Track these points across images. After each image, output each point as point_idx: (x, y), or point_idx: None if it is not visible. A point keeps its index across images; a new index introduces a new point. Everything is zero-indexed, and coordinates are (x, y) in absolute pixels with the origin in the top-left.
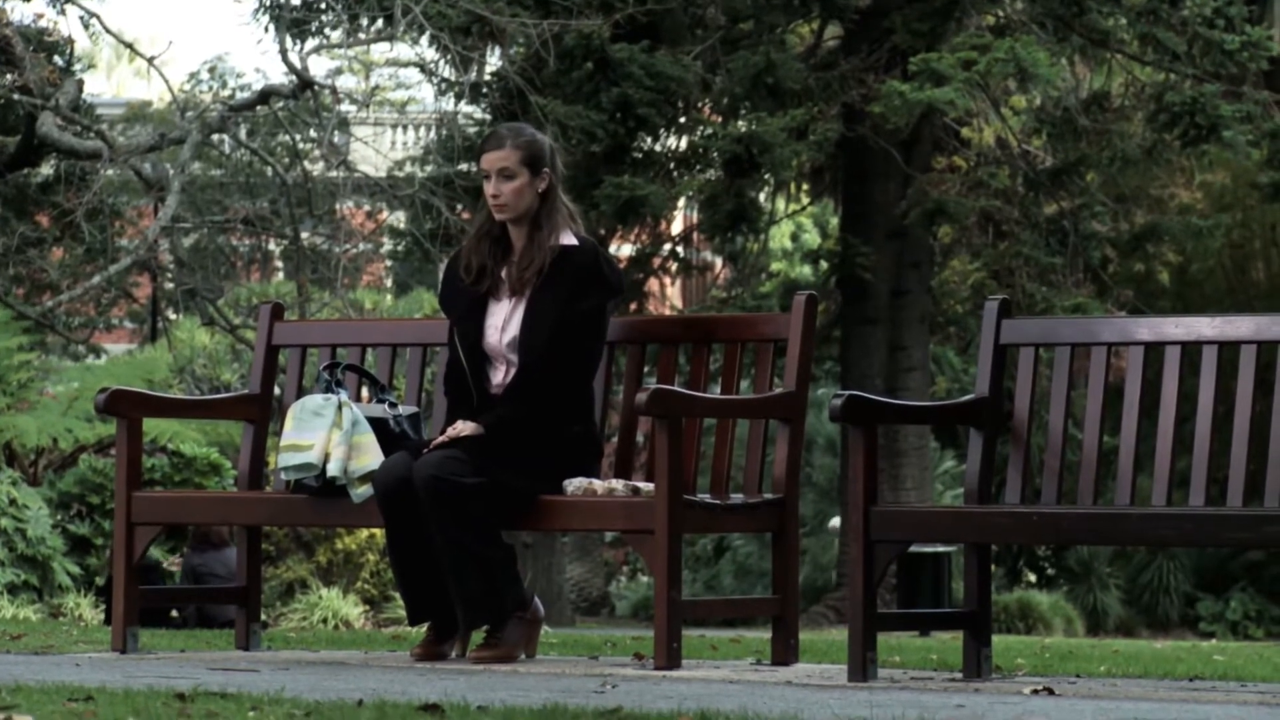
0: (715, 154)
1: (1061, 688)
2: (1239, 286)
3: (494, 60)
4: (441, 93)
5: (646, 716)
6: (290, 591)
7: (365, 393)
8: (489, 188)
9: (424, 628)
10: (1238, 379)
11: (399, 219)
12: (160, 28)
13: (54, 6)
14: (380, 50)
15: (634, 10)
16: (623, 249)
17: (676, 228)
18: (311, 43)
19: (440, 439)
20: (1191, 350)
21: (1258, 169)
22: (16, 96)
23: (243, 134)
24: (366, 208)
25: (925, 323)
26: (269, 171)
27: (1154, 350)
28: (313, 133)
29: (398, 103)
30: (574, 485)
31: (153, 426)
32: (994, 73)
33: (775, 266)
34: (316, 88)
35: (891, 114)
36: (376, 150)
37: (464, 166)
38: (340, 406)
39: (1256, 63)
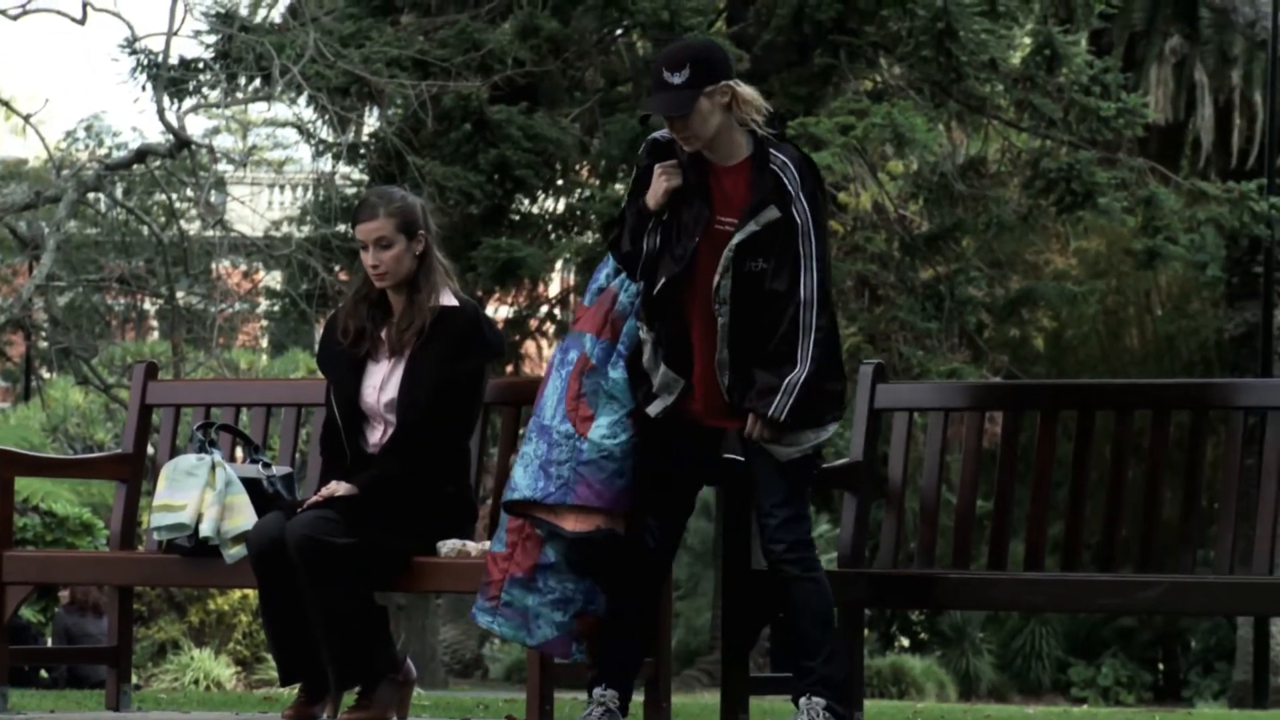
0: (593, 216)
1: None
2: (1113, 352)
3: (372, 121)
4: (319, 153)
5: None
6: (162, 652)
7: (239, 453)
8: (367, 258)
9: (296, 689)
10: (1110, 444)
11: (275, 279)
12: (37, 85)
13: None
14: (258, 110)
15: (512, 72)
16: (500, 311)
17: (554, 290)
18: (189, 102)
19: (314, 499)
20: (1065, 416)
21: (1132, 236)
22: None
23: (119, 193)
24: (243, 267)
25: None
26: (145, 230)
27: (1027, 415)
28: (189, 192)
29: (275, 163)
30: (447, 546)
31: (25, 485)
32: (871, 138)
33: None
34: (193, 147)
35: None
36: (253, 210)
37: (341, 227)
38: (214, 466)
39: (1132, 129)
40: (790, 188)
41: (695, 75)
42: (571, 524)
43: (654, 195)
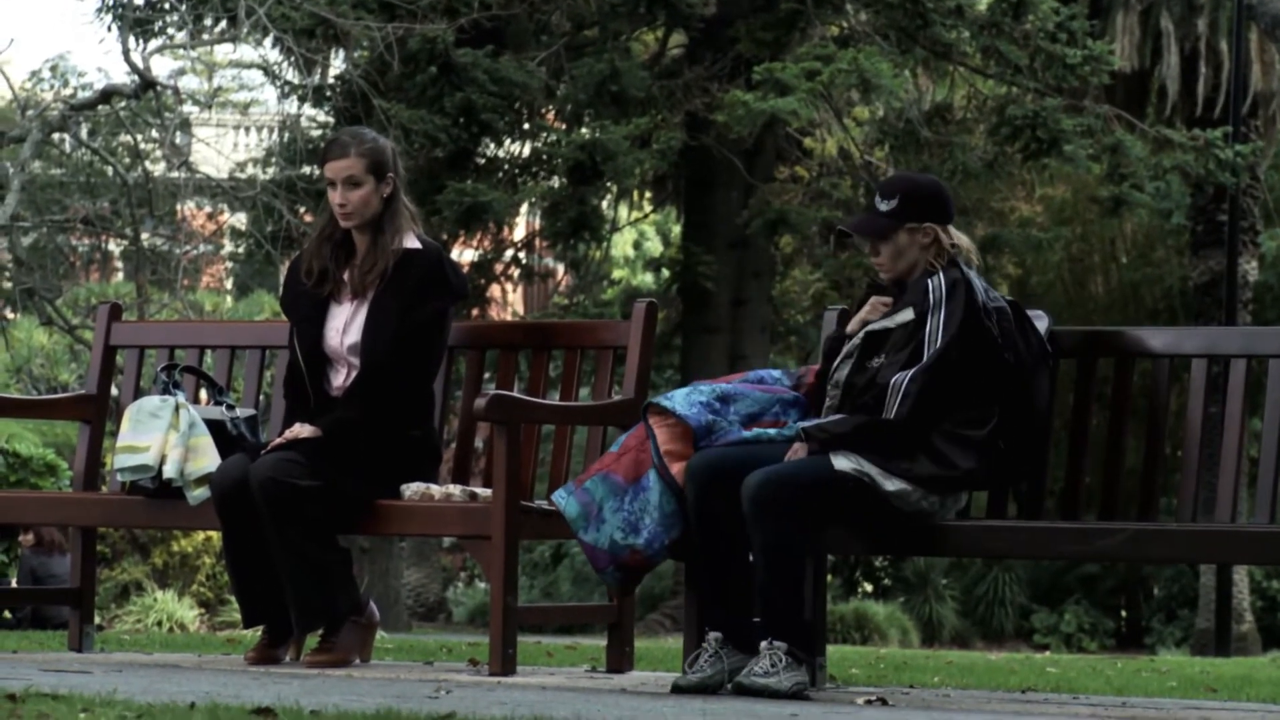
0: (558, 161)
1: (895, 698)
2: (1078, 299)
3: (338, 63)
4: (285, 95)
5: None
6: (125, 593)
7: (203, 395)
8: (335, 196)
9: (259, 631)
10: (1073, 392)
11: (240, 221)
12: (1, 25)
13: None
14: (224, 51)
15: (479, 15)
16: (464, 255)
17: (519, 234)
18: (154, 43)
19: (278, 441)
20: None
21: (1097, 183)
22: None
23: (84, 133)
24: (208, 209)
25: (766, 332)
26: (110, 171)
27: None
28: (154, 133)
29: (240, 104)
30: (411, 490)
31: None
32: (837, 83)
33: (617, 274)
34: (159, 88)
35: (735, 123)
36: (218, 151)
37: (306, 169)
38: (177, 408)
39: (1098, 77)
40: (932, 297)
41: (902, 208)
42: (678, 473)
43: (854, 322)
